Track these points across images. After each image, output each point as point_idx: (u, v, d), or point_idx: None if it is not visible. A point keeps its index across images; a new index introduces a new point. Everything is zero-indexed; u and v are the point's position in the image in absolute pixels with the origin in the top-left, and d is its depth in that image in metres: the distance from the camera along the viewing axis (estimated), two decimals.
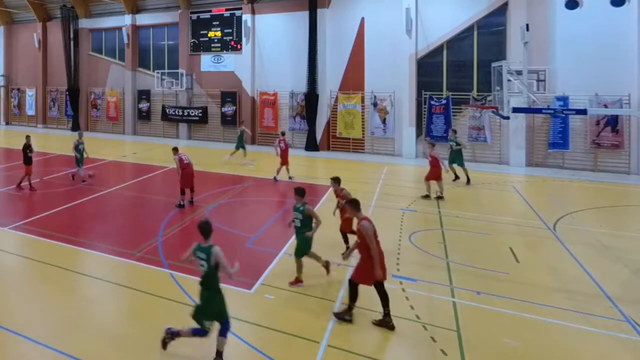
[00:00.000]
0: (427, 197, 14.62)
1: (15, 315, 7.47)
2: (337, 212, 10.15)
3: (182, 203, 13.56)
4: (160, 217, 12.71)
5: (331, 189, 10.74)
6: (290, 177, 17.34)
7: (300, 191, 8.74)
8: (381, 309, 7.20)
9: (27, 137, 16.30)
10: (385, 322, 7.12)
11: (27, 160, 15.74)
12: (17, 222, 12.14)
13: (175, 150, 14.22)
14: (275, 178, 17.25)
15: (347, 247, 9.50)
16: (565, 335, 7.03)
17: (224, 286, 6.30)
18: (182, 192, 13.61)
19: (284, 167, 17.47)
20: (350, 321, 7.24)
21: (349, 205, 7.71)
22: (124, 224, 12.79)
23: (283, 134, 18.87)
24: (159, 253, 10.08)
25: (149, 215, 13.18)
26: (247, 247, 10.20)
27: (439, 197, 14.59)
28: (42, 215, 12.95)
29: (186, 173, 13.62)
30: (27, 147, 15.85)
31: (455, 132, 17.62)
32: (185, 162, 13.68)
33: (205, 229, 6.22)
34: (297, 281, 8.53)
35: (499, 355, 6.48)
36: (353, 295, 7.32)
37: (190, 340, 6.44)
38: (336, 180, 10.10)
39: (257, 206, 14.27)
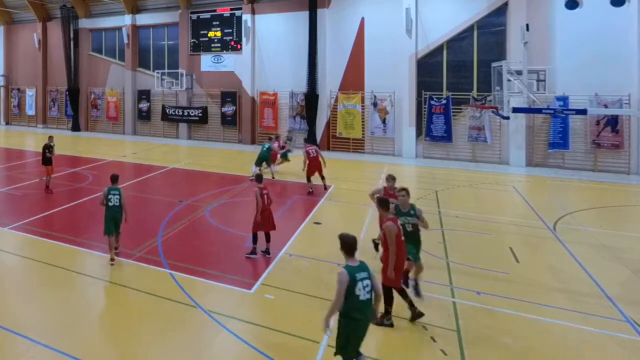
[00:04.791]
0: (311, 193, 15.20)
1: (15, 314, 7.46)
2: None
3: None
4: (160, 217, 12.71)
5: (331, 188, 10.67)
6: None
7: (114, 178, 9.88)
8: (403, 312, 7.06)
9: (50, 137, 15.80)
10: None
11: (46, 161, 15.25)
12: (17, 222, 12.14)
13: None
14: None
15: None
16: (565, 335, 7.03)
17: (224, 286, 6.29)
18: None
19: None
20: (391, 325, 7.09)
21: (380, 204, 7.66)
22: (123, 224, 12.73)
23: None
24: (159, 253, 10.07)
25: (149, 215, 13.18)
26: (247, 247, 10.18)
27: (310, 193, 15.18)
28: (42, 215, 12.95)
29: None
30: (47, 148, 15.30)
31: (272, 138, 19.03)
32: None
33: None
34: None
35: (499, 356, 6.48)
36: (388, 299, 7.11)
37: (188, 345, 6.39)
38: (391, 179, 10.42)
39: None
